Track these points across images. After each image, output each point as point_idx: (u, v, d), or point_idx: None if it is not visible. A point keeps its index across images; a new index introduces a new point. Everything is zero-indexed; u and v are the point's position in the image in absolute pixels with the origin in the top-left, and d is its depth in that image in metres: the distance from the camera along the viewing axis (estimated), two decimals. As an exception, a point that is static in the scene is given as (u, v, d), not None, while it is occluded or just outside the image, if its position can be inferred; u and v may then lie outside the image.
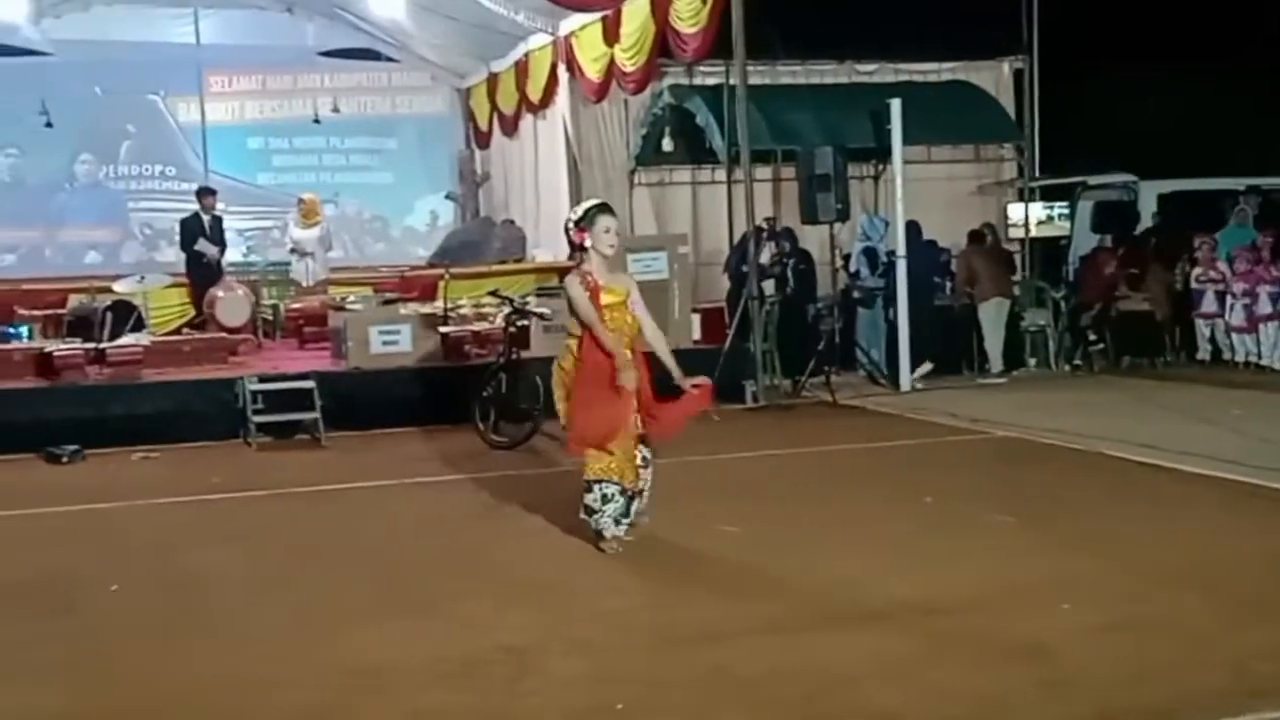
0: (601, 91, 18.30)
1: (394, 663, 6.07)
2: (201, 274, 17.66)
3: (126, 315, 15.29)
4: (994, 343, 16.78)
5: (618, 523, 8.09)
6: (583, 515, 8.15)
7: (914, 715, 5.27)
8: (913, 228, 16.08)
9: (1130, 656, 5.87)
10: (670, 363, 8.37)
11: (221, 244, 18.06)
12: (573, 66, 18.97)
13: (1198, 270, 17.21)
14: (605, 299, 8.00)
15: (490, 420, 12.49)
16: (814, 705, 5.40)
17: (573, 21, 18.66)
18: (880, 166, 18.85)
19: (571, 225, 8.12)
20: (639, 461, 8.13)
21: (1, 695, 5.85)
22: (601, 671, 5.88)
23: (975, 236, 17.43)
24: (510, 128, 22.45)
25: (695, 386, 8.19)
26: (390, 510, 9.86)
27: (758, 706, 5.39)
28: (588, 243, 8.04)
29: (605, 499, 8.04)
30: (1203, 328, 17.26)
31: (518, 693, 5.63)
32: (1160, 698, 5.39)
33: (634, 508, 8.17)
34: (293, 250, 18.76)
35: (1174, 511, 8.93)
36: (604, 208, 8.26)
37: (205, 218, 17.93)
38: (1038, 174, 19.90)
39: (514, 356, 12.80)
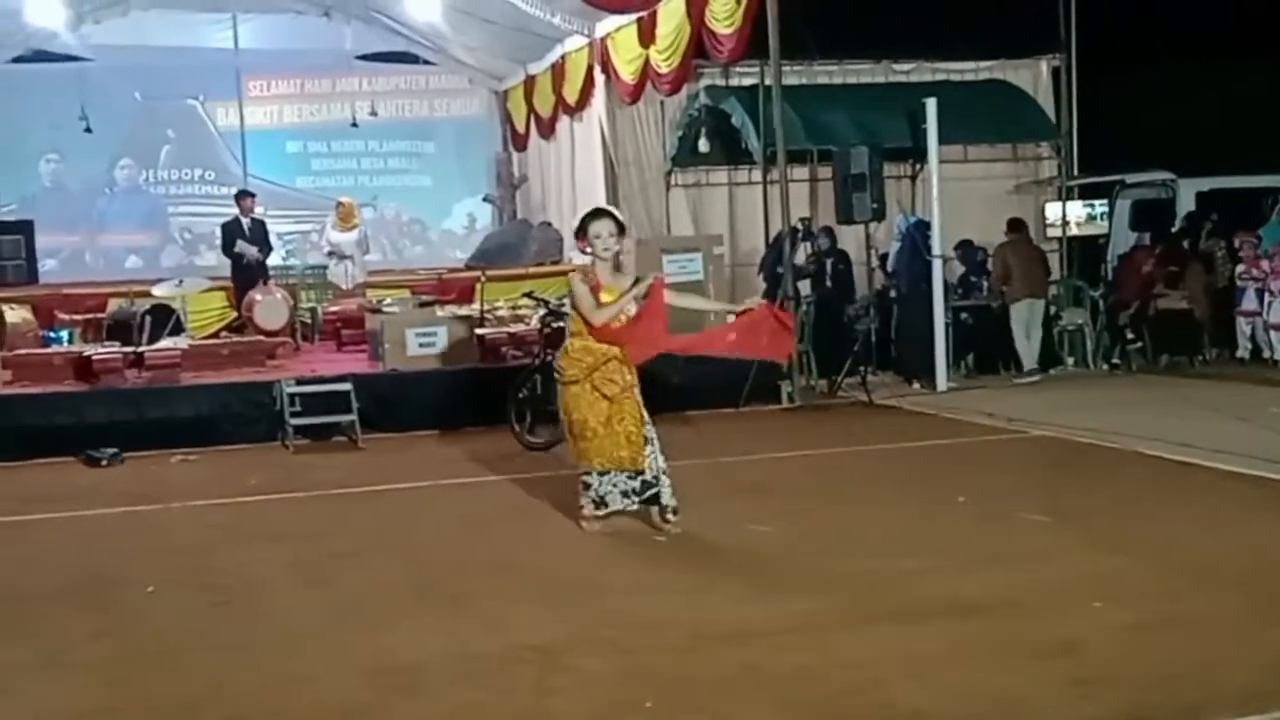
0: (636, 93, 18.30)
1: (427, 661, 6.10)
2: (244, 277, 17.78)
3: (165, 319, 15.37)
4: (1025, 343, 16.68)
5: (627, 495, 8.51)
6: (580, 490, 8.69)
7: (941, 714, 5.26)
8: (923, 227, 16.03)
9: (1162, 655, 5.85)
10: (714, 306, 9.78)
11: (266, 246, 18.19)
12: (608, 68, 18.98)
13: (1240, 268, 17.13)
14: (605, 296, 8.36)
15: (526, 421, 12.51)
16: (842, 704, 5.40)
17: (609, 23, 18.66)
18: (917, 166, 18.81)
19: (575, 235, 8.63)
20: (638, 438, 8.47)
21: (43, 693, 5.91)
22: (631, 670, 5.89)
23: (1013, 225, 17.26)
24: (547, 130, 22.47)
25: (744, 311, 8.89)
26: (426, 511, 9.90)
27: (786, 705, 5.39)
28: (588, 251, 8.46)
29: (601, 470, 8.51)
30: (1243, 325, 17.17)
31: (547, 690, 5.65)
32: (1191, 696, 5.36)
33: (648, 489, 8.49)
34: (330, 253, 18.85)
35: (1209, 510, 8.87)
36: (597, 214, 8.68)
37: (245, 220, 18.05)
38: (1076, 173, 19.83)
39: (549, 358, 12.81)
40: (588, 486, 8.58)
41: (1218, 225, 17.95)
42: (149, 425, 12.98)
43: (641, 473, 8.46)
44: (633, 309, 8.44)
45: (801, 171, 18.21)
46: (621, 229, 8.52)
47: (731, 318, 9.32)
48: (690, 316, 9.59)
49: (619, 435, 8.37)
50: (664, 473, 8.52)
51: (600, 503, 8.55)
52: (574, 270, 8.70)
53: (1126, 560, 7.53)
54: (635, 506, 8.57)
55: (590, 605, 6.98)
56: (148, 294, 16.48)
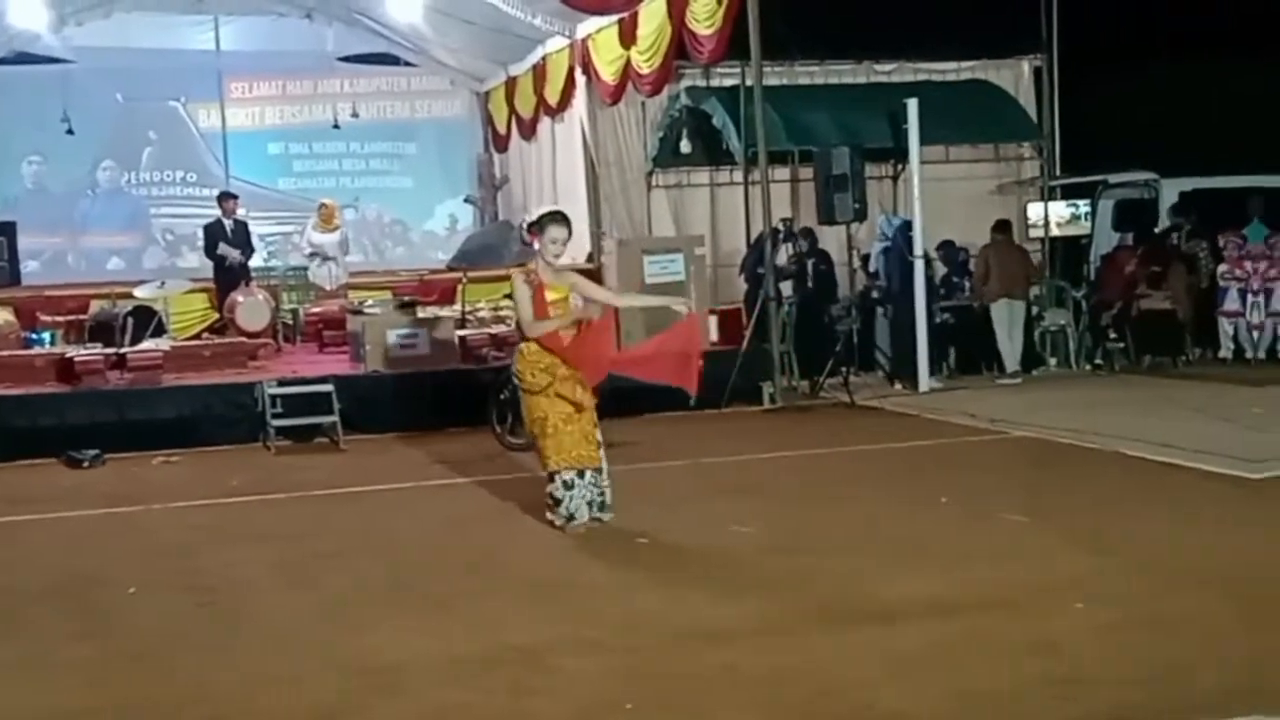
0: (617, 93, 18.28)
1: (408, 661, 6.11)
2: (226, 279, 17.74)
3: (147, 320, 15.34)
4: (1005, 343, 16.68)
5: (591, 505, 8.59)
6: (549, 504, 8.66)
7: (921, 714, 5.26)
8: (908, 228, 16.04)
9: (1143, 655, 5.85)
10: (646, 301, 10.15)
11: (249, 248, 18.17)
12: (589, 69, 18.97)
13: (1223, 268, 17.15)
14: (550, 295, 8.50)
15: (507, 422, 12.46)
16: (822, 704, 5.40)
17: (589, 25, 18.64)
18: (899, 166, 18.80)
19: (525, 226, 8.78)
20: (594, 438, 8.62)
21: (25, 694, 5.91)
22: (611, 669, 5.90)
23: (999, 226, 17.23)
24: (528, 131, 22.44)
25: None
26: (407, 512, 9.89)
27: (766, 706, 5.40)
28: (536, 246, 8.57)
29: (568, 485, 8.53)
30: (1225, 326, 17.17)
31: (528, 691, 5.65)
32: (1173, 697, 5.37)
33: (600, 491, 8.62)
34: (312, 254, 18.84)
35: (1191, 510, 8.89)
36: (557, 217, 8.74)
37: (227, 222, 18.02)
38: (1058, 173, 19.85)
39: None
40: (558, 502, 8.60)
41: (1196, 226, 17.92)
42: (131, 426, 12.99)
43: (600, 472, 8.58)
44: (579, 305, 8.57)
45: (783, 172, 18.20)
46: (570, 236, 8.72)
47: (681, 310, 9.51)
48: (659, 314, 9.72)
49: (577, 434, 8.48)
50: (609, 475, 8.69)
51: (570, 518, 8.58)
52: (516, 270, 8.78)
53: (1108, 560, 7.55)
54: (599, 516, 8.65)
55: (571, 605, 6.98)
56: (130, 295, 16.43)
